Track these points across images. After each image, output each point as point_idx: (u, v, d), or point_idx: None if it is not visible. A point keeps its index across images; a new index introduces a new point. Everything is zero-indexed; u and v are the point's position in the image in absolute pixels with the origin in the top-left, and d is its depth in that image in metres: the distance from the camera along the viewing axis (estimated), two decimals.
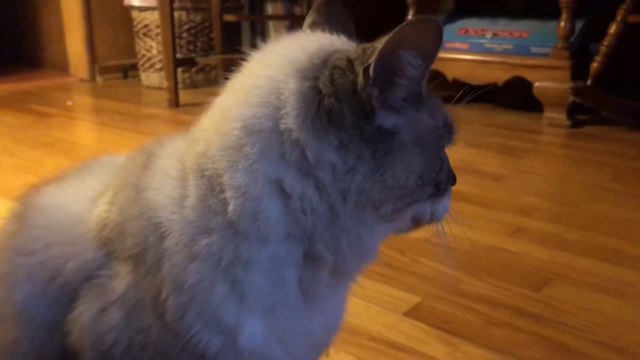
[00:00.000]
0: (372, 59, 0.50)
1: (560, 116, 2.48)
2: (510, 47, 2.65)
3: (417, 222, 0.61)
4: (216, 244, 0.54)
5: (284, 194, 0.53)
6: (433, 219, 0.61)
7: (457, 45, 2.77)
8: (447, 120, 0.58)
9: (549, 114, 2.52)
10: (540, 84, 2.51)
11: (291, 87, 0.53)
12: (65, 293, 0.60)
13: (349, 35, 0.62)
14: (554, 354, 1.02)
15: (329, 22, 0.63)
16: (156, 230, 0.55)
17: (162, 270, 0.55)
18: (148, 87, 3.61)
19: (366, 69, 0.51)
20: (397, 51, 0.51)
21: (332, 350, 1.00)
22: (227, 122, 0.55)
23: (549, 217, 1.63)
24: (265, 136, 0.53)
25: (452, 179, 0.60)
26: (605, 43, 2.39)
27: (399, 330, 1.08)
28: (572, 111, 2.49)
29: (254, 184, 0.53)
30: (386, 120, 0.53)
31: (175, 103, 2.99)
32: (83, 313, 0.58)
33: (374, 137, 0.53)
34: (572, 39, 2.49)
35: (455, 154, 2.00)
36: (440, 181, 0.57)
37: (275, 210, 0.53)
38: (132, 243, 0.57)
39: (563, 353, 1.02)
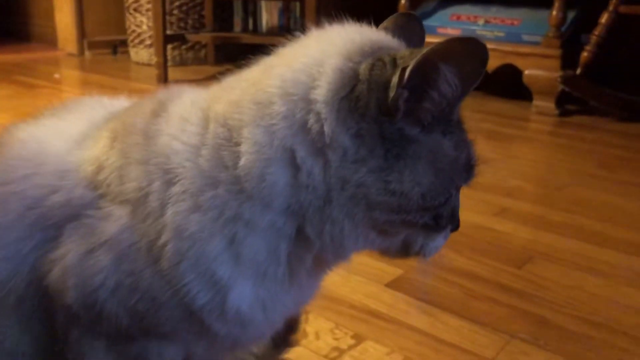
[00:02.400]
0: (413, 62, 0.50)
1: (549, 105, 2.49)
2: (501, 34, 2.65)
3: (405, 249, 0.60)
4: (220, 198, 0.54)
5: (294, 165, 0.53)
6: (421, 252, 0.61)
7: (449, 31, 2.76)
8: (470, 161, 0.57)
9: (538, 102, 2.53)
10: (531, 72, 2.51)
11: (333, 62, 0.53)
12: (44, 226, 0.59)
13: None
14: (534, 327, 1.02)
15: (400, 31, 0.61)
16: (164, 176, 0.55)
17: (164, 215, 0.54)
18: (137, 63, 3.57)
19: (404, 69, 0.50)
20: (438, 63, 0.50)
21: (311, 315, 1.00)
22: (267, 78, 0.55)
23: (534, 199, 1.64)
24: (294, 100, 0.53)
25: (454, 223, 0.60)
26: (596, 33, 2.40)
27: (380, 300, 1.08)
28: (561, 100, 2.50)
29: (269, 144, 0.53)
30: (408, 127, 0.53)
31: (164, 79, 2.96)
32: (68, 253, 0.57)
33: (391, 137, 0.52)
34: (563, 28, 2.49)
35: None
36: (442, 215, 0.56)
37: (283, 178, 0.53)
38: (133, 187, 0.56)
39: (543, 327, 1.02)
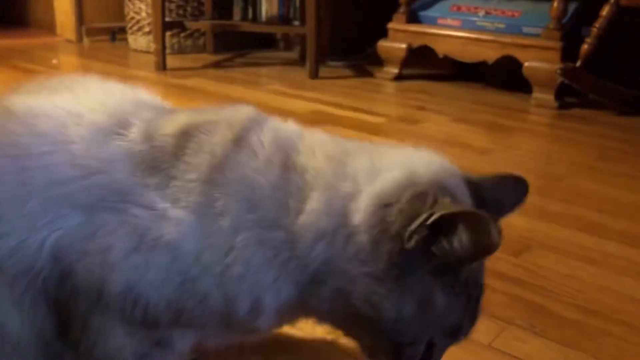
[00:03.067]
0: (441, 213, 0.54)
1: (549, 97, 2.48)
2: (502, 26, 2.63)
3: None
4: (279, 240, 0.59)
5: (333, 244, 0.59)
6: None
7: (449, 21, 2.75)
8: (455, 329, 0.61)
9: (537, 95, 2.52)
10: (530, 64, 2.50)
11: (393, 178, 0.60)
12: (69, 204, 0.58)
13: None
14: (530, 314, 1.02)
15: (497, 188, 0.68)
16: (244, 203, 0.59)
17: (236, 238, 0.58)
18: (135, 50, 3.55)
19: (432, 214, 0.55)
20: (459, 224, 0.55)
21: None
22: (350, 164, 0.62)
23: (532, 190, 1.60)
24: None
25: None
26: (597, 25, 2.39)
27: None
28: (561, 93, 2.49)
29: (327, 214, 0.60)
30: (417, 261, 0.57)
31: (162, 66, 2.95)
32: (111, 249, 0.58)
33: (399, 260, 0.57)
34: (564, 20, 2.48)
35: (443, 127, 2.01)
36: (404, 352, 0.61)
37: (323, 253, 0.60)
38: (202, 201, 0.59)
39: (539, 314, 1.02)
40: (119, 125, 0.63)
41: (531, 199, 1.55)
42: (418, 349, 0.61)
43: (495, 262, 1.19)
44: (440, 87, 2.79)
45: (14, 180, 0.59)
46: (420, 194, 0.57)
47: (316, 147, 0.64)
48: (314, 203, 0.59)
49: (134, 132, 0.62)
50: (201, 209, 0.58)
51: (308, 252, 0.59)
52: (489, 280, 1.12)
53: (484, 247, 0.55)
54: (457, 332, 0.62)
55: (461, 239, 0.55)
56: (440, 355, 0.65)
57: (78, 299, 0.60)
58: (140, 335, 0.61)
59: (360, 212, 0.58)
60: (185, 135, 0.62)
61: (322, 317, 0.65)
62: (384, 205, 0.57)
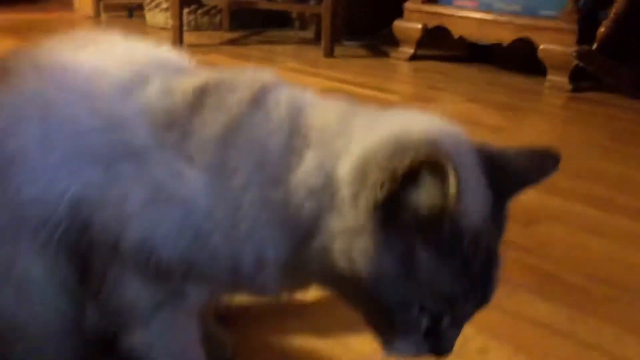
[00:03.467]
0: (409, 165, 0.53)
1: (563, 80, 2.49)
2: (518, 7, 2.63)
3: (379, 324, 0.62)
4: (280, 197, 0.60)
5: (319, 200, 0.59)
6: (384, 343, 0.61)
7: (466, 2, 2.75)
8: (451, 291, 0.56)
9: (551, 77, 2.52)
10: (546, 47, 2.51)
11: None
12: (91, 156, 0.61)
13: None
14: (538, 279, 1.05)
15: (527, 160, 0.66)
16: (255, 163, 0.60)
17: (245, 196, 0.60)
18: (153, 26, 3.58)
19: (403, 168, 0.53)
20: (423, 171, 0.53)
21: None
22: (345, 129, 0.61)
23: None
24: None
25: (436, 349, 0.60)
26: (614, 8, 2.39)
27: None
28: (575, 76, 2.50)
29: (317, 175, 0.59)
30: (392, 214, 0.54)
31: (179, 43, 2.97)
32: (127, 198, 0.60)
33: (379, 215, 0.55)
34: (581, 3, 2.48)
35: (456, 106, 2.03)
36: (395, 317, 0.57)
37: (313, 212, 0.60)
38: (215, 160, 0.60)
39: (547, 280, 1.05)
40: (140, 81, 0.65)
41: None
42: (409, 316, 0.57)
43: (505, 231, 1.21)
44: (454, 68, 2.80)
45: (38, 131, 0.62)
46: (402, 149, 0.55)
47: (326, 109, 0.65)
48: (308, 161, 0.60)
49: (155, 88, 0.64)
50: (214, 168, 0.60)
51: (300, 209, 0.59)
52: None
53: (442, 199, 0.52)
54: (454, 300, 0.56)
55: (426, 190, 0.53)
56: (452, 336, 0.60)
57: (96, 250, 0.62)
58: (155, 286, 0.64)
59: (345, 167, 0.58)
60: (205, 93, 0.63)
61: (317, 278, 0.64)
62: (366, 161, 0.56)
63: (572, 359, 0.85)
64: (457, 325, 0.60)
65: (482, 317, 0.93)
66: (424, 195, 0.53)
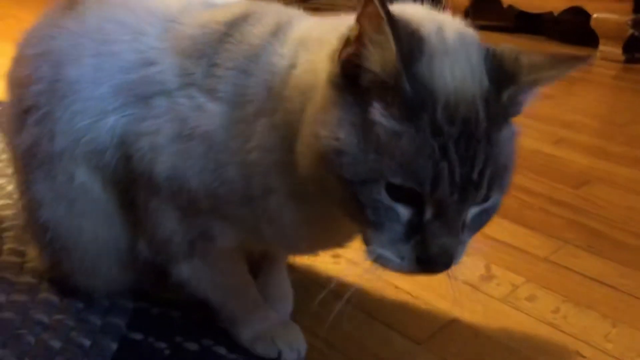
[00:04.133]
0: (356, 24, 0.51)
1: (616, 50, 2.42)
2: None
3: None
4: (281, 118, 0.59)
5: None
6: (367, 243, 0.54)
7: None
8: (421, 165, 0.48)
9: (604, 47, 2.45)
10: (599, 15, 2.43)
11: None
12: (132, 93, 0.65)
13: None
14: (587, 236, 1.04)
15: None
16: (265, 90, 0.60)
17: (256, 124, 0.60)
18: None
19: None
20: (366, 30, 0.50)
21: None
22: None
23: (593, 132, 1.63)
24: None
25: (421, 253, 0.51)
26: None
27: None
28: (629, 46, 2.42)
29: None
30: (347, 77, 0.52)
31: None
32: (159, 132, 0.63)
33: (335, 79, 0.52)
34: None
35: None
36: (365, 202, 0.50)
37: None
38: (233, 91, 0.61)
39: (596, 237, 1.04)
40: (182, 15, 0.67)
41: (592, 140, 1.56)
42: (372, 192, 0.50)
43: (553, 191, 1.21)
44: (503, 39, 2.74)
45: (91, 63, 0.66)
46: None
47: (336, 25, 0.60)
48: (301, 64, 0.58)
49: (192, 19, 0.67)
50: (234, 98, 0.61)
51: (295, 111, 0.57)
52: (547, 205, 1.15)
53: (390, 55, 0.48)
54: (425, 177, 0.48)
55: (374, 48, 0.49)
56: (439, 235, 0.51)
57: (137, 183, 0.66)
58: (188, 221, 0.67)
59: (326, 54, 0.55)
60: (234, 25, 0.64)
61: (313, 186, 0.57)
62: (342, 40, 0.52)
63: (620, 309, 0.85)
64: (444, 223, 0.50)
65: (531, 267, 0.94)
66: (374, 55, 0.49)
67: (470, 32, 0.55)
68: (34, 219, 0.72)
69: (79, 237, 0.71)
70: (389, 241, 0.52)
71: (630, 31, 2.34)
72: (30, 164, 0.69)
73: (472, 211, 0.53)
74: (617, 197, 1.21)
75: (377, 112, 0.49)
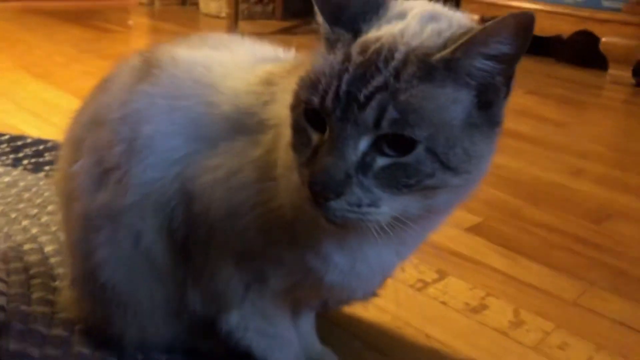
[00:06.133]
0: None
1: (626, 74, 2.43)
2: None
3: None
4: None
5: None
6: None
7: None
8: (321, 86, 0.52)
9: (613, 71, 2.47)
10: (609, 39, 2.45)
11: None
12: (201, 138, 0.66)
13: None
14: (613, 277, 1.04)
15: None
16: (281, 123, 0.62)
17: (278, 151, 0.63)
18: (206, 14, 3.62)
19: None
20: None
21: None
22: None
23: (610, 162, 1.63)
24: None
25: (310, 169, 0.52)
26: None
27: (461, 242, 1.11)
28: (639, 70, 2.44)
29: None
30: None
31: (234, 31, 3.00)
32: (221, 167, 0.65)
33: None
34: None
35: (515, 99, 1.98)
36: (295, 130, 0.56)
37: None
38: (274, 121, 0.64)
39: (622, 277, 1.04)
40: (247, 74, 0.69)
41: (609, 171, 1.56)
42: (297, 115, 0.54)
43: (576, 228, 1.21)
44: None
45: (166, 120, 0.67)
46: None
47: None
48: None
49: (250, 80, 0.68)
50: (270, 144, 0.63)
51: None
52: (571, 244, 1.15)
53: None
54: (324, 96, 0.51)
55: None
56: (325, 154, 0.51)
57: (195, 231, 0.67)
58: (243, 265, 0.67)
59: None
60: (269, 83, 0.67)
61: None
62: None
63: None
64: (330, 144, 0.51)
65: (560, 312, 0.94)
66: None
67: (452, 14, 0.57)
68: (94, 279, 0.72)
69: (135, 295, 0.71)
70: (299, 165, 0.54)
71: None
72: (95, 225, 0.70)
73: (381, 161, 0.50)
74: (637, 232, 1.20)
75: (320, 54, 0.55)
